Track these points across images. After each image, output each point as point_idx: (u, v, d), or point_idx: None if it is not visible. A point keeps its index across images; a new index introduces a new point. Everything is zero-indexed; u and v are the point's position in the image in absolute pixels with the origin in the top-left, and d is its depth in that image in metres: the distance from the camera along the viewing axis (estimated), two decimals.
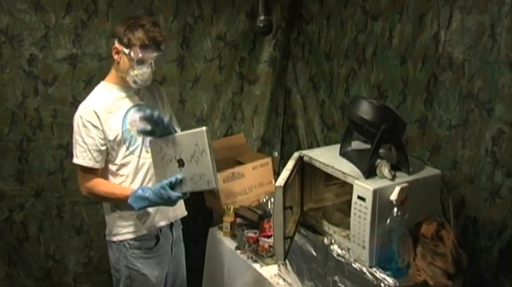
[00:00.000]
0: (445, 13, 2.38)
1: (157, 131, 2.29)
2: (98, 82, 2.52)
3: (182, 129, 2.81)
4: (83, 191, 2.48)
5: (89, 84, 2.97)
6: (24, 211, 3.05)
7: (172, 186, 2.27)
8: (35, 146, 2.99)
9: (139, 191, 2.31)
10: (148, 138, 2.42)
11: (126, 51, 2.33)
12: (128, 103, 2.47)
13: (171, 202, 2.30)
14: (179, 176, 2.26)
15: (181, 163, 2.26)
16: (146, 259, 2.57)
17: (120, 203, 2.46)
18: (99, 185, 2.43)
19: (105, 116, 2.39)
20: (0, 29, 2.77)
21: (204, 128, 2.21)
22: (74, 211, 3.18)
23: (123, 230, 2.52)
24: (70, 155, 2.50)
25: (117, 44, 2.38)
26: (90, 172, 2.42)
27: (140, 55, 2.31)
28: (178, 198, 2.29)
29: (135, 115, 2.46)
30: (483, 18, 2.20)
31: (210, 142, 2.22)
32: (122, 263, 2.55)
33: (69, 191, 3.12)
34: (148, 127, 2.27)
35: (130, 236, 2.52)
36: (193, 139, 2.23)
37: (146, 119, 2.23)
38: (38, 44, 2.88)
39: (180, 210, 2.70)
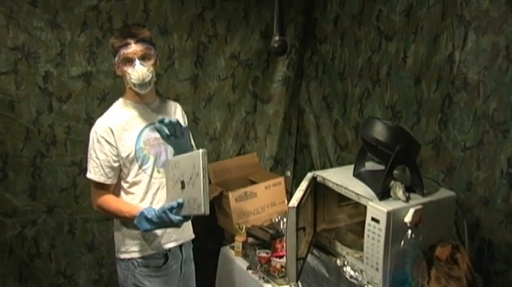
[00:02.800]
0: (460, 34, 2.37)
1: (174, 135, 2.31)
2: (112, 99, 2.54)
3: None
4: (94, 206, 2.49)
5: (103, 102, 2.99)
6: (36, 227, 3.05)
7: (174, 209, 2.25)
8: (48, 163, 3.00)
9: (145, 212, 2.30)
10: (161, 159, 2.46)
11: (116, 59, 2.38)
12: (143, 121, 2.48)
13: (175, 225, 2.29)
14: (180, 201, 2.24)
15: (183, 185, 2.25)
16: (154, 277, 2.55)
17: (127, 221, 2.46)
18: (108, 201, 2.43)
19: (120, 133, 2.40)
20: (17, 46, 2.80)
21: (201, 150, 2.19)
22: (86, 228, 3.18)
23: (130, 248, 2.51)
24: (84, 170, 2.51)
25: (113, 60, 2.42)
26: (102, 187, 2.43)
27: (122, 53, 2.34)
28: (181, 221, 2.27)
29: (150, 134, 2.47)
30: (498, 39, 2.19)
31: (205, 165, 2.18)
32: (130, 281, 2.54)
33: (81, 208, 3.12)
34: (166, 130, 2.29)
35: (138, 255, 2.51)
36: (191, 161, 2.21)
37: (163, 122, 2.27)
38: (53, 61, 2.90)
39: (187, 233, 2.68)
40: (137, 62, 2.35)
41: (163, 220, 2.25)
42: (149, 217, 2.27)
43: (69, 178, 3.07)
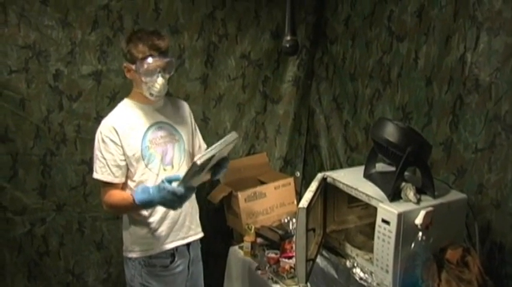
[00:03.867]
0: (472, 35, 2.36)
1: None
2: (122, 98, 2.54)
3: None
4: (104, 207, 2.49)
5: (113, 101, 2.99)
6: (46, 225, 3.06)
7: (173, 182, 2.25)
8: (58, 161, 3.01)
9: (143, 185, 2.35)
10: (167, 157, 2.49)
11: (133, 66, 2.35)
12: (149, 120, 2.48)
13: (172, 198, 2.22)
14: (179, 175, 2.26)
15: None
16: (161, 277, 2.56)
17: (135, 216, 2.48)
18: (113, 195, 2.43)
19: (125, 132, 2.40)
20: (28, 44, 2.81)
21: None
22: (95, 227, 3.19)
23: (137, 247, 2.52)
24: (91, 169, 2.52)
25: (125, 63, 2.40)
26: (110, 186, 2.43)
27: (145, 66, 2.32)
28: (183, 193, 2.20)
29: (155, 133, 2.48)
30: (510, 40, 2.17)
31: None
32: (136, 281, 2.54)
33: (91, 207, 3.13)
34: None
35: (145, 254, 2.52)
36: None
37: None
38: (63, 60, 2.91)
39: (194, 231, 2.68)
40: (158, 74, 2.35)
41: (158, 190, 2.23)
42: (147, 189, 2.28)
43: (78, 177, 3.08)
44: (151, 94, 2.39)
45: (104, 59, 3.01)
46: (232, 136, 2.31)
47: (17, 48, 2.79)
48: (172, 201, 2.24)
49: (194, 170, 2.11)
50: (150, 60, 2.32)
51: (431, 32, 2.63)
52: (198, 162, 2.06)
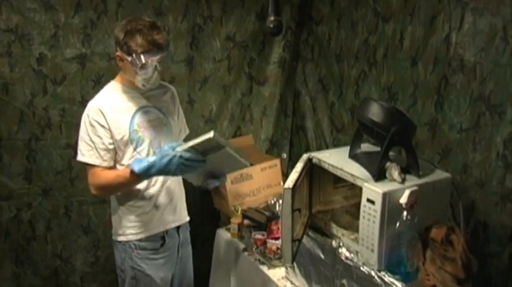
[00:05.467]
0: (457, 15, 2.36)
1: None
2: (107, 82, 2.52)
3: (190, 130, 2.82)
4: (92, 190, 2.45)
5: (98, 84, 2.97)
6: (32, 209, 3.05)
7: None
8: (43, 145, 2.99)
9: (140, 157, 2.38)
10: (156, 141, 2.48)
11: (129, 58, 2.31)
12: (136, 104, 2.47)
13: (170, 160, 2.23)
14: (180, 142, 2.31)
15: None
16: (152, 260, 2.57)
17: (125, 200, 2.49)
18: (103, 175, 2.40)
19: (112, 115, 2.38)
20: (10, 28, 2.77)
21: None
22: (82, 211, 3.19)
23: (128, 230, 2.52)
24: (76, 153, 2.49)
25: (119, 52, 2.36)
26: (98, 169, 2.41)
27: (143, 61, 2.29)
28: (178, 157, 2.22)
29: (143, 117, 2.46)
30: (495, 21, 2.18)
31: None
32: (127, 264, 2.55)
33: (77, 191, 3.12)
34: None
35: (135, 237, 2.52)
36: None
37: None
38: (47, 43, 2.88)
39: (183, 214, 2.70)
40: (154, 67, 2.34)
41: (161, 156, 2.24)
42: (143, 158, 2.31)
43: (64, 161, 3.06)
44: (144, 85, 2.38)
45: (88, 42, 2.98)
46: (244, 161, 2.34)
47: None
48: (174, 164, 2.23)
49: (206, 143, 2.15)
50: (148, 55, 2.29)
51: (416, 13, 2.63)
52: (214, 135, 2.11)
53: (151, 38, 2.29)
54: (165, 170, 2.25)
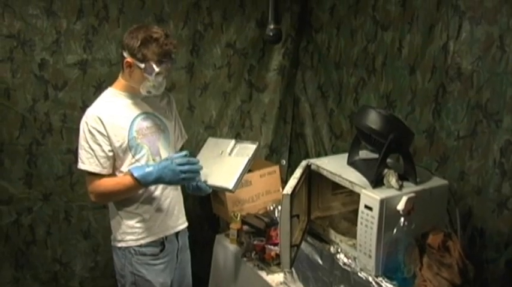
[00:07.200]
0: (455, 24, 2.38)
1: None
2: (108, 87, 2.53)
3: (190, 137, 2.84)
4: (92, 198, 2.45)
5: (99, 90, 2.97)
6: (32, 214, 3.07)
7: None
8: (44, 150, 3.01)
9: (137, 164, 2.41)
10: (154, 147, 2.49)
11: (141, 65, 2.31)
12: (135, 111, 2.47)
13: (174, 173, 2.30)
14: (185, 152, 2.33)
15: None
16: (151, 265, 2.57)
17: (123, 206, 2.49)
18: (103, 183, 2.41)
19: (111, 122, 2.38)
20: (13, 33, 2.80)
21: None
22: (82, 216, 3.20)
23: (127, 236, 2.52)
24: (77, 158, 2.49)
25: (129, 58, 2.34)
26: (97, 177, 2.40)
27: (157, 70, 2.30)
28: (186, 171, 2.30)
29: (141, 123, 2.47)
30: (492, 29, 2.20)
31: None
32: (127, 269, 2.55)
33: (77, 196, 3.13)
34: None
35: (135, 243, 2.52)
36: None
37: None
38: (49, 49, 2.90)
39: (181, 220, 2.70)
40: (163, 75, 2.37)
41: (164, 167, 2.28)
42: (142, 165, 2.34)
43: (65, 166, 3.08)
44: (149, 92, 2.39)
45: (89, 48, 3.00)
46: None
47: (1, 37, 2.78)
48: (174, 171, 2.30)
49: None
50: (162, 64, 2.32)
51: (415, 21, 2.65)
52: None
53: (167, 48, 2.32)
54: (164, 177, 2.31)
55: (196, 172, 2.38)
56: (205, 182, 2.44)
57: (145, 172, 2.30)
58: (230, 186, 2.22)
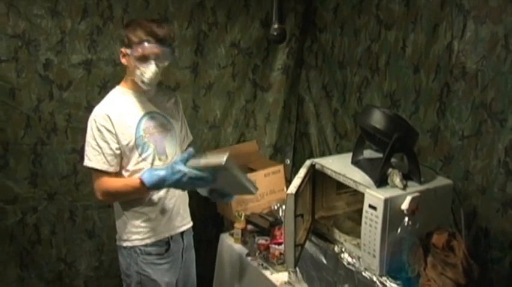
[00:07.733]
0: (459, 23, 2.38)
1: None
2: (112, 87, 2.54)
3: (194, 136, 2.84)
4: (98, 196, 2.44)
5: (104, 89, 2.99)
6: (37, 213, 3.07)
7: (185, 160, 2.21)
8: (49, 150, 3.01)
9: (149, 169, 2.35)
10: (161, 147, 2.49)
11: (129, 51, 2.34)
12: (142, 109, 2.48)
13: (183, 178, 2.17)
14: (191, 150, 2.22)
15: None
16: (157, 265, 2.57)
17: (129, 206, 2.49)
18: (110, 182, 2.41)
19: (119, 120, 2.39)
20: (17, 33, 2.80)
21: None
22: (86, 215, 3.20)
23: (133, 236, 2.52)
24: (82, 157, 2.50)
25: (122, 48, 2.40)
26: (104, 175, 2.41)
27: (140, 50, 2.31)
28: (188, 177, 2.16)
29: (149, 122, 2.48)
30: (497, 29, 2.20)
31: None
32: (132, 269, 2.55)
33: (82, 195, 3.14)
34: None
35: (141, 242, 2.52)
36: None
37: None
38: (53, 49, 2.90)
39: (186, 219, 2.70)
40: (152, 62, 2.34)
41: (173, 172, 2.18)
42: (154, 172, 2.26)
43: (69, 165, 3.09)
44: (142, 82, 2.38)
45: (94, 48, 3.01)
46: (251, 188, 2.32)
47: (6, 37, 2.78)
48: (183, 182, 2.19)
49: (217, 166, 2.09)
50: (145, 45, 2.31)
51: (418, 20, 2.65)
52: (226, 162, 2.04)
53: (150, 29, 2.33)
54: (174, 186, 2.26)
55: (210, 180, 2.23)
56: (197, 164, 2.33)
57: (156, 179, 2.24)
58: (223, 161, 2.12)
